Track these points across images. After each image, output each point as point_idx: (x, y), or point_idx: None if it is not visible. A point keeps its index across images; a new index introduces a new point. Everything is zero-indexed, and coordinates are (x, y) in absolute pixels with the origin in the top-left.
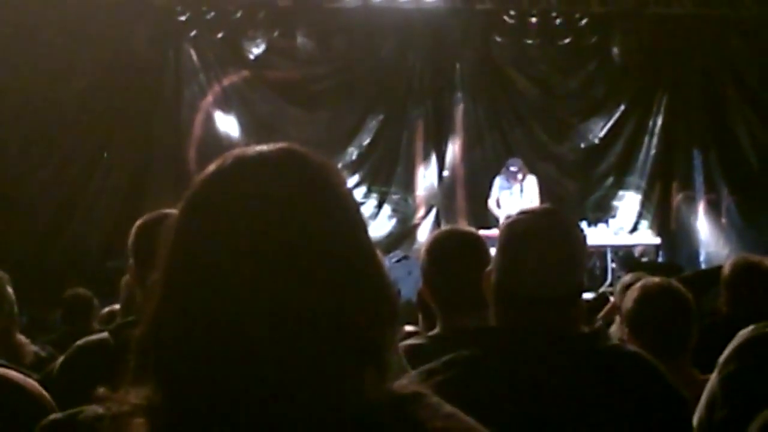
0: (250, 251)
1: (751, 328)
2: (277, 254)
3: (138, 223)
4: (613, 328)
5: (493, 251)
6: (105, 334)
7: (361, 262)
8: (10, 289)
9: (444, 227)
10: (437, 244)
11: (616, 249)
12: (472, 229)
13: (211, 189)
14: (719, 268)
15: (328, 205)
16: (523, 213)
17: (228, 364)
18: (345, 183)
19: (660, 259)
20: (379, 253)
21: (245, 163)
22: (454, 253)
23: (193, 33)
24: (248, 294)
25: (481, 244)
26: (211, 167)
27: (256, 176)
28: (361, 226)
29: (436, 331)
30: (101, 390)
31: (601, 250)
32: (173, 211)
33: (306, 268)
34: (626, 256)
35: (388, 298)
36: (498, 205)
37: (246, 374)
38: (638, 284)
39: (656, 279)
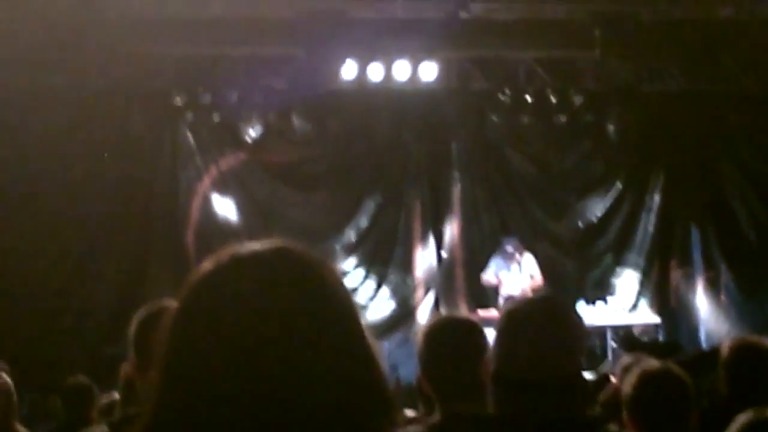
0: (245, 353)
1: (749, 412)
2: (272, 355)
3: (138, 315)
4: None
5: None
6: (105, 429)
7: (356, 359)
8: (8, 378)
9: (440, 315)
10: (433, 333)
11: (615, 329)
12: (469, 317)
13: (206, 290)
14: (718, 349)
15: (322, 305)
16: (521, 300)
17: None
18: (341, 281)
19: (660, 337)
20: (376, 342)
21: (239, 264)
22: (450, 342)
23: (189, 116)
24: (245, 396)
25: (477, 332)
26: (206, 266)
27: (250, 277)
28: (356, 323)
29: (434, 418)
30: None
31: (600, 330)
32: (173, 302)
33: (300, 368)
34: (626, 336)
35: (382, 392)
36: (495, 280)
37: None
38: (637, 370)
39: (655, 364)
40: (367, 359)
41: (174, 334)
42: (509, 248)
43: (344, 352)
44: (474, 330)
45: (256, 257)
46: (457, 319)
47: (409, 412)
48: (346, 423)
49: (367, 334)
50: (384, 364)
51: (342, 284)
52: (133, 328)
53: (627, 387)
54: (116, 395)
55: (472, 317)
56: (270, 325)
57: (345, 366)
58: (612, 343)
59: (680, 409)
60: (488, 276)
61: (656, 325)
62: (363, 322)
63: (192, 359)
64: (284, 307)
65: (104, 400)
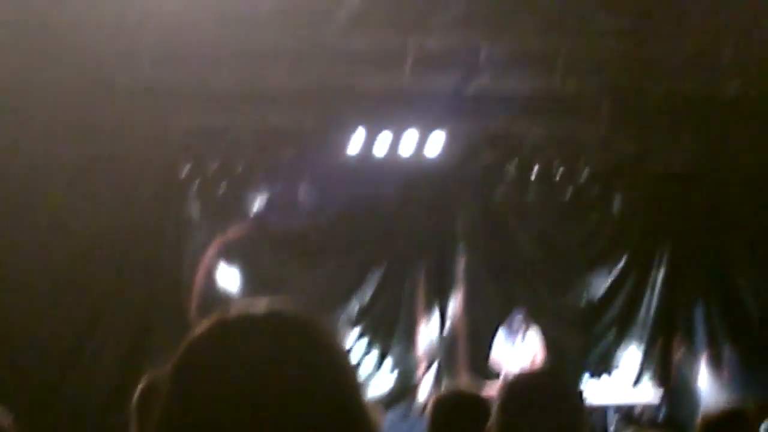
0: (236, 414)
1: None
2: (262, 418)
3: (140, 384)
4: None
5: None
6: None
7: (353, 421)
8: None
9: (447, 389)
10: (440, 407)
11: (616, 408)
12: (475, 392)
13: (195, 354)
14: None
15: (316, 367)
16: (522, 375)
17: None
18: (336, 342)
19: (662, 414)
20: (375, 412)
21: (228, 327)
22: (456, 416)
23: (195, 186)
24: None
25: (482, 406)
26: (197, 330)
27: (240, 340)
28: (352, 386)
29: None
30: None
31: (601, 409)
32: None
33: (294, 428)
34: (627, 415)
35: None
36: (500, 359)
37: None
38: None
39: None
40: (364, 424)
41: (165, 398)
42: (516, 321)
43: (334, 414)
44: (480, 404)
45: (245, 320)
46: (464, 393)
47: None
48: None
49: (361, 395)
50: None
51: (336, 344)
52: (135, 396)
53: None
54: None
55: (479, 392)
56: (258, 386)
57: (337, 425)
58: (612, 422)
59: None
60: (495, 356)
61: (657, 404)
62: (357, 383)
63: (182, 422)
64: (273, 367)
65: None
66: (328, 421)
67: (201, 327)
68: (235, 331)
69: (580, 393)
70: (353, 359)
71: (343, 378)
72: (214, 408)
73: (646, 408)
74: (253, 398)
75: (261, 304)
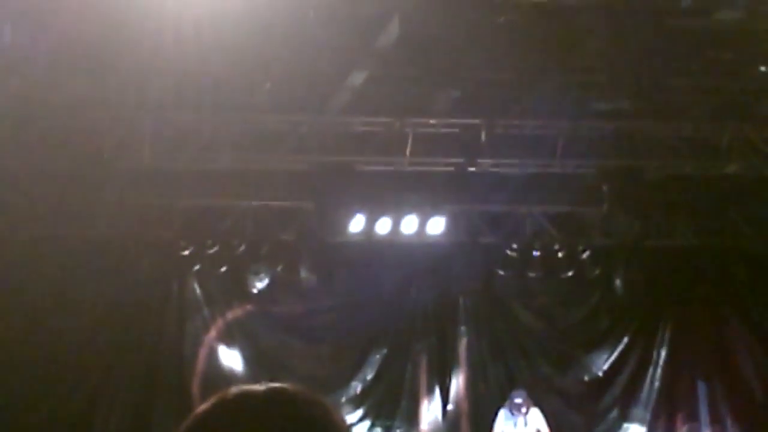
0: None
1: None
2: None
3: None
4: None
5: None
6: None
7: None
8: None
9: None
10: None
11: None
12: None
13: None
14: None
15: None
16: None
17: None
18: (337, 421)
19: None
20: None
21: (227, 404)
22: None
23: (196, 267)
24: None
25: None
26: (199, 410)
27: (238, 416)
28: None
29: None
30: None
31: None
32: None
33: None
34: None
35: None
36: None
37: None
38: None
39: None
40: None
41: None
42: (518, 400)
43: None
44: None
45: (245, 398)
46: None
47: None
48: None
49: None
50: None
51: (337, 423)
52: None
53: None
54: None
55: None
56: None
57: None
58: None
59: None
60: None
61: None
62: None
63: None
64: None
65: None
66: None
67: (202, 407)
68: (237, 410)
69: None
70: None
71: None
72: None
73: None
74: None
75: (263, 385)
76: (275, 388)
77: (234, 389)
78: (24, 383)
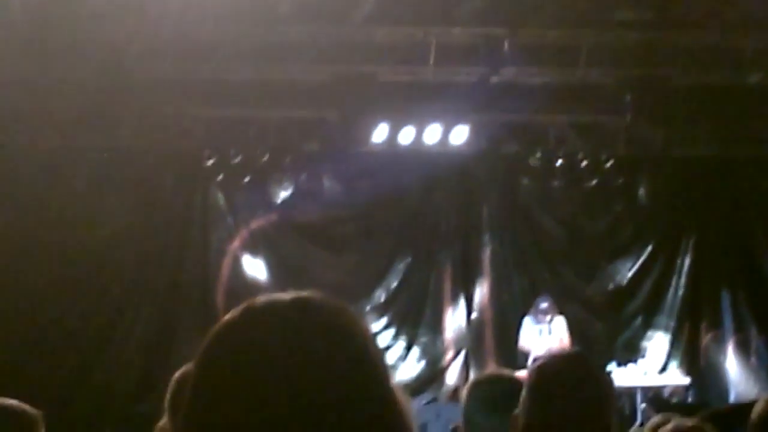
0: (263, 400)
1: None
2: (288, 404)
3: (175, 376)
4: None
5: None
6: None
7: (380, 407)
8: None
9: (490, 370)
10: (482, 386)
11: (645, 390)
12: (515, 375)
13: (222, 341)
14: (751, 404)
15: (344, 352)
16: (551, 357)
17: None
18: (362, 329)
19: (690, 399)
20: (404, 397)
21: (255, 313)
22: (498, 396)
23: (220, 177)
24: None
25: (519, 388)
26: (224, 319)
27: (266, 325)
28: (378, 369)
29: None
30: None
31: (630, 391)
32: None
33: (320, 416)
34: (656, 397)
35: None
36: (530, 347)
37: None
38: (668, 427)
39: (689, 422)
40: (393, 408)
41: (193, 386)
42: (543, 305)
43: (364, 399)
44: (520, 388)
45: (271, 307)
46: (506, 376)
47: None
48: None
49: (391, 381)
50: (412, 420)
51: (363, 330)
52: (169, 388)
53: None
54: None
55: (516, 375)
56: (284, 371)
57: (365, 413)
58: (641, 404)
59: None
60: (523, 342)
61: (686, 387)
62: (386, 367)
63: (209, 409)
64: (300, 353)
65: None
66: (358, 405)
67: (229, 316)
68: (263, 317)
69: (609, 375)
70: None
71: (371, 362)
72: (242, 393)
73: (675, 390)
74: (282, 384)
75: (289, 294)
76: (302, 296)
77: (261, 298)
78: (47, 296)
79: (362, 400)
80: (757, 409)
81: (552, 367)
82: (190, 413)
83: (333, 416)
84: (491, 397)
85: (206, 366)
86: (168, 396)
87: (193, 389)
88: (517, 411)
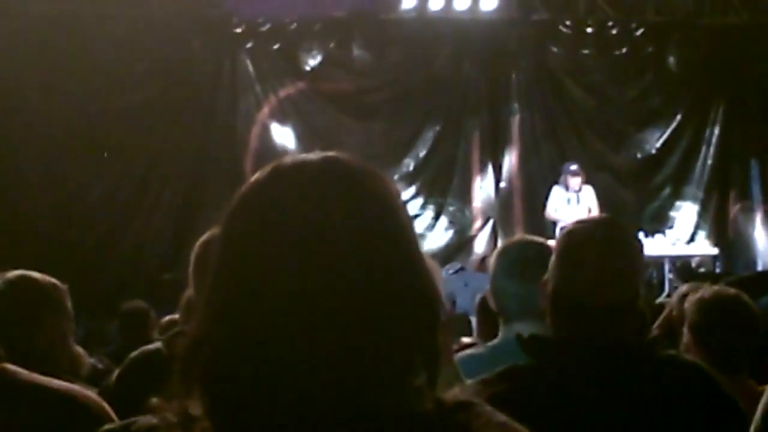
0: (290, 259)
1: None
2: (317, 260)
3: (198, 242)
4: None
5: None
6: (158, 344)
7: (408, 270)
8: (69, 303)
9: (518, 236)
10: (510, 252)
11: (673, 260)
12: (545, 241)
13: (250, 200)
14: None
15: (369, 211)
16: (580, 222)
17: (273, 372)
18: (390, 189)
19: (717, 270)
20: (430, 261)
21: (283, 173)
22: (526, 261)
23: (249, 44)
24: (291, 301)
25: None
26: (252, 179)
27: (294, 184)
28: (407, 231)
29: (495, 341)
30: (155, 400)
31: (658, 261)
32: None
33: (348, 276)
34: (683, 267)
35: (435, 306)
36: (558, 216)
37: (292, 383)
38: (707, 294)
39: (730, 291)
40: (420, 268)
41: (221, 244)
42: (573, 167)
43: (393, 263)
44: (550, 253)
45: (300, 165)
46: (536, 241)
47: (466, 339)
48: (391, 332)
49: (420, 246)
50: (440, 287)
51: (390, 190)
52: (193, 252)
53: (693, 311)
54: (177, 316)
55: (545, 241)
56: (313, 230)
57: (392, 273)
58: (669, 274)
59: (749, 338)
60: (550, 211)
61: (714, 257)
62: (413, 229)
63: (238, 266)
64: (328, 212)
65: (165, 319)
66: (387, 268)
67: (258, 174)
68: (292, 175)
69: (639, 240)
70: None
71: (401, 225)
72: (270, 253)
73: (702, 260)
74: (311, 244)
75: (318, 154)
76: (331, 156)
77: (289, 158)
78: (78, 163)
79: (391, 262)
80: None
81: (582, 231)
82: (218, 276)
83: (360, 277)
84: (520, 262)
85: (233, 227)
86: (192, 260)
87: (219, 252)
88: (546, 276)
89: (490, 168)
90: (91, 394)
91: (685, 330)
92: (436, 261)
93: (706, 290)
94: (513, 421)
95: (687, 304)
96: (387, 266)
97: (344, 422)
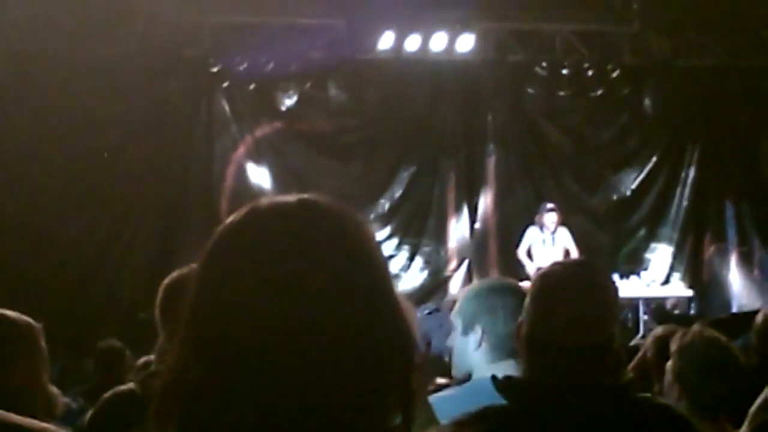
0: (265, 301)
1: None
2: (292, 302)
3: (165, 281)
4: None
5: None
6: (132, 385)
7: (383, 312)
8: (43, 342)
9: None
10: (484, 292)
11: (648, 301)
12: (514, 281)
13: (226, 242)
14: (754, 313)
15: (345, 254)
16: (555, 264)
17: (248, 413)
18: (365, 231)
19: (692, 311)
20: (405, 302)
21: (259, 215)
22: (499, 302)
23: (225, 84)
24: (266, 343)
25: (521, 295)
26: (228, 219)
27: (270, 227)
28: (382, 273)
29: (469, 382)
30: None
31: (633, 303)
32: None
33: (322, 318)
34: (658, 309)
35: (409, 348)
36: (529, 256)
37: (267, 425)
38: (688, 338)
39: (711, 333)
40: (392, 313)
41: (196, 285)
42: (550, 205)
43: (367, 304)
44: (518, 292)
45: (275, 208)
46: (509, 282)
47: (441, 380)
48: (366, 374)
49: (395, 288)
50: (415, 326)
51: (365, 232)
52: (161, 290)
53: (674, 354)
54: (152, 357)
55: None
56: (288, 272)
57: (367, 316)
58: (644, 316)
59: (730, 382)
60: (522, 251)
61: (689, 299)
62: (388, 269)
63: (212, 307)
64: (302, 254)
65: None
66: (361, 309)
67: (234, 216)
68: (268, 217)
69: (614, 283)
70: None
71: (376, 267)
72: (245, 294)
73: (677, 302)
74: (286, 285)
75: (294, 196)
76: (307, 198)
77: (265, 199)
78: (52, 202)
79: (365, 304)
80: (760, 317)
81: (557, 273)
82: (193, 316)
83: (335, 319)
84: (495, 305)
85: (209, 268)
86: (158, 302)
87: (195, 292)
88: (521, 318)
89: (465, 209)
90: None
91: (667, 370)
92: (410, 301)
93: (688, 333)
94: None
95: (672, 345)
96: (362, 309)
97: None
